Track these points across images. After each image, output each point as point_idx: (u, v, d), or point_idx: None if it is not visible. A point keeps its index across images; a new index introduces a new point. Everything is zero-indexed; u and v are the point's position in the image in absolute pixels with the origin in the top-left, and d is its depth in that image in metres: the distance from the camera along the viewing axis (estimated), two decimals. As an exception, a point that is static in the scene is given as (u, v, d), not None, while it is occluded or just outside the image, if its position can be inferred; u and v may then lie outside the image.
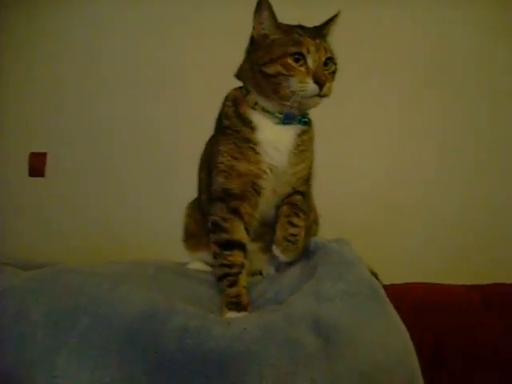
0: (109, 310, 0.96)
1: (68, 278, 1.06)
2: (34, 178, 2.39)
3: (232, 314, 1.04)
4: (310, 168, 1.21)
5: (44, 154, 2.40)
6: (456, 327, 1.11)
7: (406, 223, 2.10)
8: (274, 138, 1.12)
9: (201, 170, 1.32)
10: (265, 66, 1.07)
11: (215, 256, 1.15)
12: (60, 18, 2.41)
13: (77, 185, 2.34)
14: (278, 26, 1.09)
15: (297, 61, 1.04)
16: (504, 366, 1.08)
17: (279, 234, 1.13)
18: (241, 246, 1.13)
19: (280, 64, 1.05)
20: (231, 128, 1.13)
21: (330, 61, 1.08)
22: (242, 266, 1.12)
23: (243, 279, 1.11)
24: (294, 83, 1.04)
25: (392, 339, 0.93)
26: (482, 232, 2.07)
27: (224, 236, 1.13)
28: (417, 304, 1.15)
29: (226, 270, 1.11)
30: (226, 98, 1.20)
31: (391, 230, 2.06)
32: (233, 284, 1.09)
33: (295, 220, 1.14)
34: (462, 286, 1.24)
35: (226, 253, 1.12)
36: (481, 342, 1.09)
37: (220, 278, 1.12)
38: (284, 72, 1.04)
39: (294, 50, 1.05)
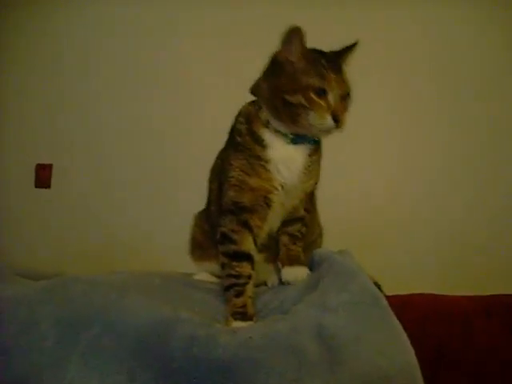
0: (117, 318, 0.97)
1: (76, 288, 1.07)
2: (39, 189, 2.41)
3: (238, 324, 1.05)
4: (317, 183, 1.25)
5: (50, 166, 2.43)
6: (458, 337, 1.11)
7: (408, 235, 2.10)
8: (285, 157, 1.14)
9: (211, 181, 1.34)
10: (287, 94, 1.08)
11: (223, 266, 1.17)
12: (71, 31, 2.45)
13: (82, 196, 2.37)
14: (305, 55, 1.09)
15: (319, 95, 1.06)
16: (506, 376, 1.09)
17: (282, 257, 1.22)
18: (249, 258, 1.16)
19: (302, 96, 1.06)
20: (243, 145, 1.16)
21: (347, 95, 1.11)
22: (250, 277, 1.14)
23: (250, 290, 1.13)
24: (313, 117, 1.06)
25: (395, 348, 0.94)
26: (483, 243, 2.08)
27: (233, 247, 1.15)
28: (419, 314, 1.15)
29: (234, 280, 1.13)
30: (240, 114, 1.22)
31: (393, 242, 2.07)
32: (239, 294, 1.11)
33: (293, 247, 1.22)
34: (465, 296, 1.24)
35: (234, 264, 1.14)
36: (483, 351, 1.10)
37: (227, 288, 1.14)
38: (305, 104, 1.06)
39: (318, 84, 1.06)
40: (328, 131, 1.09)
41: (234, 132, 1.20)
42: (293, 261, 1.20)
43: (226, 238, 1.16)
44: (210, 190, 1.34)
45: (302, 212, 1.24)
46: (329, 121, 1.06)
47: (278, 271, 1.23)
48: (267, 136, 1.14)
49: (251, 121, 1.17)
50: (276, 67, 1.12)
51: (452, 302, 1.22)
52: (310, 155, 1.18)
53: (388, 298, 1.07)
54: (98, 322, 0.97)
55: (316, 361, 0.90)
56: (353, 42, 1.16)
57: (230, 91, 2.05)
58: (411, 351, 0.95)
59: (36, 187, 2.42)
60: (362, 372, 0.89)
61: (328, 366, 0.89)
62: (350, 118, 1.11)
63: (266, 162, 1.13)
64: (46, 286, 1.10)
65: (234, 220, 1.15)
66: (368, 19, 2.10)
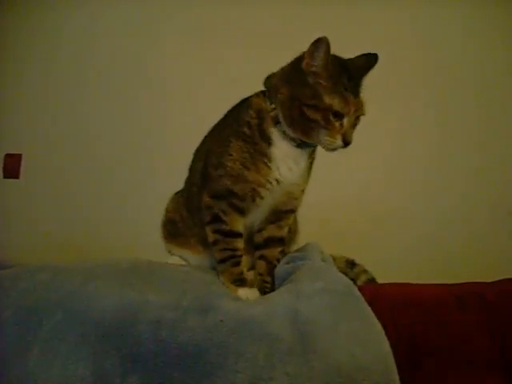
0: (81, 304, 0.95)
1: (39, 275, 1.05)
2: (8, 180, 2.35)
3: (243, 291, 1.09)
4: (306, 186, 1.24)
5: (19, 156, 2.36)
6: (431, 325, 1.12)
7: (392, 225, 2.11)
8: (288, 158, 1.15)
9: (196, 161, 1.31)
10: (306, 108, 1.07)
11: (215, 243, 1.17)
12: (45, 17, 2.39)
13: (52, 186, 2.30)
14: (327, 68, 1.07)
15: (336, 116, 1.06)
16: (478, 364, 1.09)
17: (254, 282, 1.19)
18: (240, 236, 1.17)
19: (321, 115, 1.06)
20: (250, 138, 1.14)
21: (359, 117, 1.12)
22: (243, 250, 1.17)
23: (244, 264, 1.16)
24: (324, 136, 1.07)
25: (369, 336, 0.94)
26: (467, 233, 2.10)
27: (224, 227, 1.16)
28: (391, 303, 1.15)
29: (230, 252, 1.15)
30: (250, 107, 1.18)
31: (377, 232, 2.07)
32: (236, 264, 1.14)
33: (267, 279, 1.21)
34: (436, 284, 1.25)
35: (228, 239, 1.16)
36: (455, 339, 1.11)
37: (222, 261, 1.15)
38: (321, 123, 1.06)
39: (338, 109, 1.06)
40: (334, 150, 1.10)
41: (240, 121, 1.17)
42: (264, 293, 1.17)
43: (217, 219, 1.16)
44: (194, 170, 1.30)
45: (284, 231, 1.25)
46: (338, 142, 1.07)
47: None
48: (275, 135, 1.14)
49: (263, 117, 1.15)
50: (299, 76, 1.10)
51: (423, 290, 1.23)
52: (310, 154, 1.19)
53: (359, 287, 1.07)
54: (60, 308, 0.95)
55: (289, 348, 0.88)
56: (371, 51, 1.15)
57: (215, 88, 2.06)
58: (385, 340, 0.95)
59: (4, 178, 2.35)
60: (336, 361, 0.87)
61: (302, 353, 0.87)
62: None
63: (269, 159, 1.13)
64: (9, 274, 1.08)
65: (226, 204, 1.15)
66: (359, 19, 2.11)
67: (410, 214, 2.13)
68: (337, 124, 1.06)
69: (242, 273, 1.13)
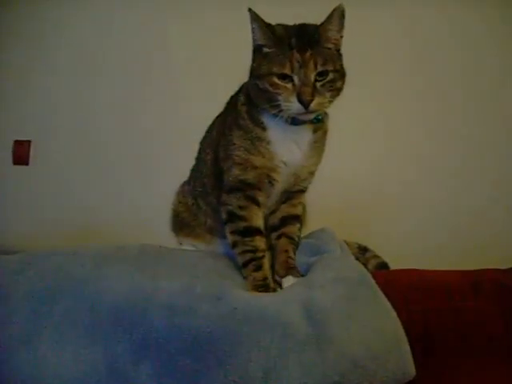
0: (92, 289, 0.94)
1: (50, 260, 1.05)
2: (17, 166, 2.33)
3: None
4: (320, 160, 1.21)
5: (28, 142, 2.35)
6: (445, 312, 1.10)
7: (395, 211, 2.09)
8: (287, 138, 1.11)
9: (205, 153, 1.28)
10: (257, 80, 1.05)
11: (235, 245, 1.14)
12: (54, 6, 2.36)
13: (61, 173, 2.29)
14: (273, 36, 1.04)
15: (284, 78, 1.01)
16: (491, 352, 1.08)
17: (280, 267, 1.15)
18: (261, 232, 1.14)
19: (267, 81, 1.02)
20: (246, 128, 1.12)
21: (324, 71, 1.03)
22: (265, 250, 1.12)
23: (267, 263, 1.11)
24: (281, 102, 1.01)
25: (383, 324, 0.92)
26: (471, 219, 2.07)
27: (242, 224, 1.13)
28: (405, 289, 1.14)
29: (250, 255, 1.10)
30: (241, 90, 1.18)
31: (380, 217, 2.05)
32: (258, 268, 1.09)
33: (293, 255, 1.17)
34: (452, 271, 1.23)
35: (247, 239, 1.12)
36: (469, 326, 1.09)
37: (244, 265, 1.10)
38: (270, 90, 1.02)
39: (277, 70, 1.01)
40: (299, 115, 1.04)
41: (236, 111, 1.16)
42: (289, 270, 1.13)
43: (233, 216, 1.13)
44: (204, 162, 1.28)
45: (299, 209, 1.23)
46: (295, 104, 1.00)
47: None
48: (265, 118, 1.10)
49: (250, 101, 1.13)
50: (254, 56, 1.10)
51: (437, 276, 1.21)
52: (314, 131, 1.14)
53: (373, 273, 1.06)
54: (71, 293, 0.94)
55: (303, 337, 0.86)
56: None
57: (215, 83, 2.04)
58: (400, 328, 0.93)
59: (14, 164, 2.33)
60: (350, 350, 0.85)
61: (315, 343, 0.86)
62: (338, 101, 1.07)
63: (268, 143, 1.10)
64: (20, 258, 1.07)
65: (241, 196, 1.13)
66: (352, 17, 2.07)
67: (410, 201, 2.11)
68: (288, 86, 1.01)
69: (265, 278, 1.08)
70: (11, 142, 2.34)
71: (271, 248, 1.20)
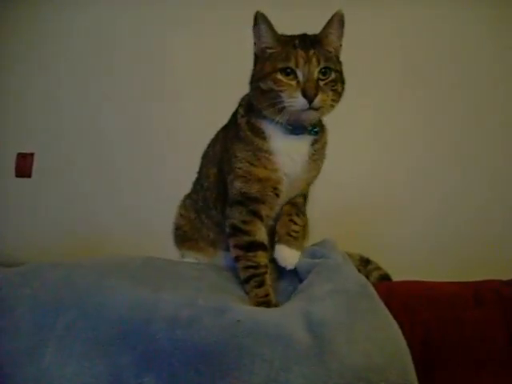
0: (95, 301, 0.95)
1: (53, 272, 1.05)
2: (20, 179, 2.35)
3: None
4: (319, 172, 1.22)
5: (31, 155, 2.36)
6: (447, 323, 1.10)
7: (398, 221, 2.10)
8: (287, 148, 1.12)
9: (208, 167, 1.29)
10: (260, 82, 1.07)
11: (237, 259, 1.13)
12: (56, 15, 2.39)
13: (63, 185, 2.31)
14: (278, 39, 1.07)
15: (288, 74, 1.03)
16: (493, 363, 1.07)
17: (282, 231, 1.15)
18: (263, 247, 1.13)
19: (271, 79, 1.04)
20: (246, 139, 1.13)
21: (327, 70, 1.05)
22: (267, 266, 1.12)
23: (269, 279, 1.10)
24: (285, 98, 1.03)
25: (385, 335, 0.92)
26: (473, 229, 2.08)
27: (245, 238, 1.12)
28: (407, 300, 1.13)
29: (252, 271, 1.10)
30: (240, 105, 1.20)
31: (383, 228, 2.06)
32: (260, 284, 1.08)
33: (296, 219, 1.17)
34: (452, 282, 1.23)
35: (250, 254, 1.11)
36: (471, 337, 1.08)
37: (246, 280, 1.10)
38: (274, 87, 1.03)
39: (281, 65, 1.03)
40: (306, 112, 1.04)
41: (236, 125, 1.17)
42: (291, 241, 1.15)
43: (237, 230, 1.13)
44: (206, 176, 1.29)
45: (300, 199, 1.22)
46: (299, 99, 1.01)
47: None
48: (266, 127, 1.12)
49: (250, 111, 1.14)
50: (255, 62, 1.12)
51: (439, 287, 1.20)
52: (312, 144, 1.15)
53: (374, 284, 1.05)
54: (75, 306, 0.94)
55: (305, 350, 0.86)
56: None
57: (219, 88, 2.05)
58: (402, 339, 0.93)
59: (16, 177, 2.35)
60: (352, 362, 0.85)
61: (318, 355, 0.86)
62: (344, 105, 1.09)
63: (270, 153, 1.11)
64: (22, 270, 1.08)
65: (244, 211, 1.13)
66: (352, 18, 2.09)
67: (412, 210, 2.12)
68: (292, 83, 1.03)
69: (267, 294, 1.07)
70: (14, 154, 2.36)
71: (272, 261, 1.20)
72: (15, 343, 0.91)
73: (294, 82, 1.03)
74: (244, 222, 1.13)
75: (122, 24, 2.37)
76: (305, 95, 1.01)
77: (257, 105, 1.11)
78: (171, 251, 1.37)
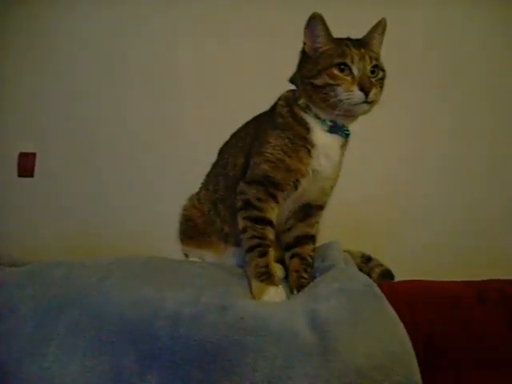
0: (98, 299, 0.95)
1: (55, 271, 1.05)
2: (22, 178, 2.35)
3: (272, 290, 1.04)
4: (336, 181, 1.25)
5: (33, 154, 2.36)
6: (451, 322, 1.09)
7: (406, 224, 2.10)
8: (325, 144, 1.15)
9: (232, 156, 1.31)
10: (313, 78, 1.11)
11: (244, 230, 1.15)
12: (62, 14, 2.40)
13: (66, 185, 2.30)
14: (332, 39, 1.13)
15: (342, 71, 1.09)
16: (497, 363, 1.06)
17: (292, 284, 1.18)
18: (272, 225, 1.15)
19: (327, 75, 1.09)
20: (285, 125, 1.16)
21: (376, 68, 1.12)
22: (272, 242, 1.14)
23: (273, 254, 1.12)
24: (341, 92, 1.08)
25: (389, 335, 0.92)
26: (480, 232, 2.08)
27: (256, 213, 1.14)
28: (411, 299, 1.12)
29: (257, 241, 1.12)
30: (279, 98, 1.23)
31: (391, 231, 2.06)
32: (263, 254, 1.10)
33: (304, 275, 1.19)
34: (455, 282, 1.22)
35: (259, 226, 1.13)
36: (475, 337, 1.08)
37: (249, 249, 1.12)
38: (331, 82, 1.09)
39: (338, 60, 1.09)
40: (360, 105, 1.09)
41: (274, 115, 1.21)
42: (302, 287, 1.15)
43: (249, 205, 1.15)
44: (232, 165, 1.29)
45: (314, 229, 1.25)
46: (356, 92, 1.07)
47: None
48: (309, 119, 1.16)
49: (292, 104, 1.19)
50: (305, 60, 1.16)
51: (442, 287, 1.19)
52: (341, 147, 1.19)
53: (379, 284, 1.05)
54: (77, 304, 0.94)
55: (309, 348, 0.86)
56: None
57: (222, 88, 2.06)
58: (407, 339, 0.92)
59: (19, 176, 2.35)
60: (355, 361, 0.85)
61: (321, 354, 0.85)
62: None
63: (312, 146, 1.14)
64: (25, 270, 1.08)
65: (262, 190, 1.15)
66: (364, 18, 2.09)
67: (425, 213, 2.12)
68: (347, 77, 1.08)
69: (267, 265, 1.09)
70: (16, 154, 2.36)
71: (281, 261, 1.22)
72: (18, 343, 0.91)
73: (349, 77, 1.08)
74: (259, 199, 1.14)
75: (122, 24, 2.37)
76: (361, 89, 1.07)
77: (307, 101, 1.15)
78: (172, 251, 1.36)
